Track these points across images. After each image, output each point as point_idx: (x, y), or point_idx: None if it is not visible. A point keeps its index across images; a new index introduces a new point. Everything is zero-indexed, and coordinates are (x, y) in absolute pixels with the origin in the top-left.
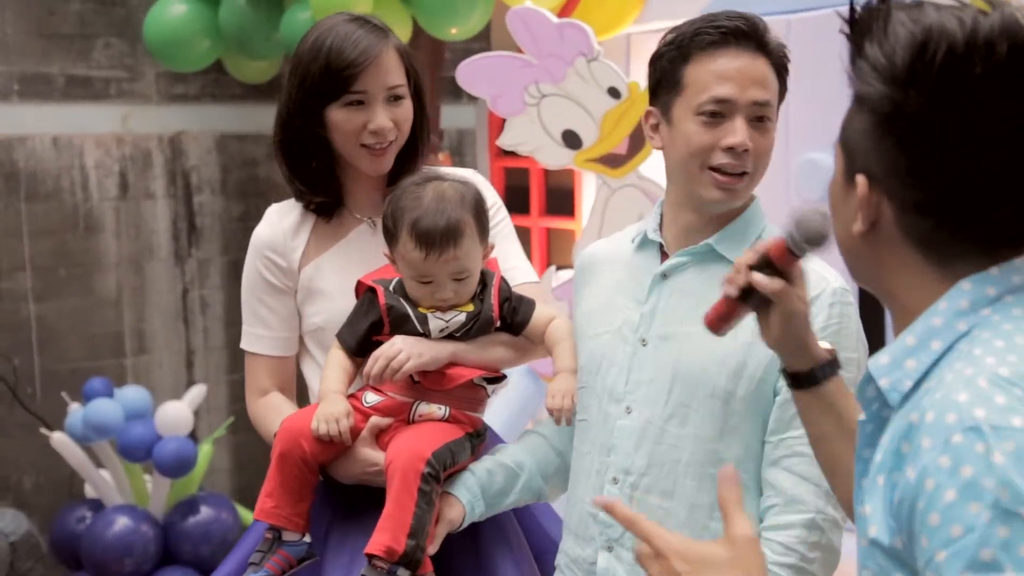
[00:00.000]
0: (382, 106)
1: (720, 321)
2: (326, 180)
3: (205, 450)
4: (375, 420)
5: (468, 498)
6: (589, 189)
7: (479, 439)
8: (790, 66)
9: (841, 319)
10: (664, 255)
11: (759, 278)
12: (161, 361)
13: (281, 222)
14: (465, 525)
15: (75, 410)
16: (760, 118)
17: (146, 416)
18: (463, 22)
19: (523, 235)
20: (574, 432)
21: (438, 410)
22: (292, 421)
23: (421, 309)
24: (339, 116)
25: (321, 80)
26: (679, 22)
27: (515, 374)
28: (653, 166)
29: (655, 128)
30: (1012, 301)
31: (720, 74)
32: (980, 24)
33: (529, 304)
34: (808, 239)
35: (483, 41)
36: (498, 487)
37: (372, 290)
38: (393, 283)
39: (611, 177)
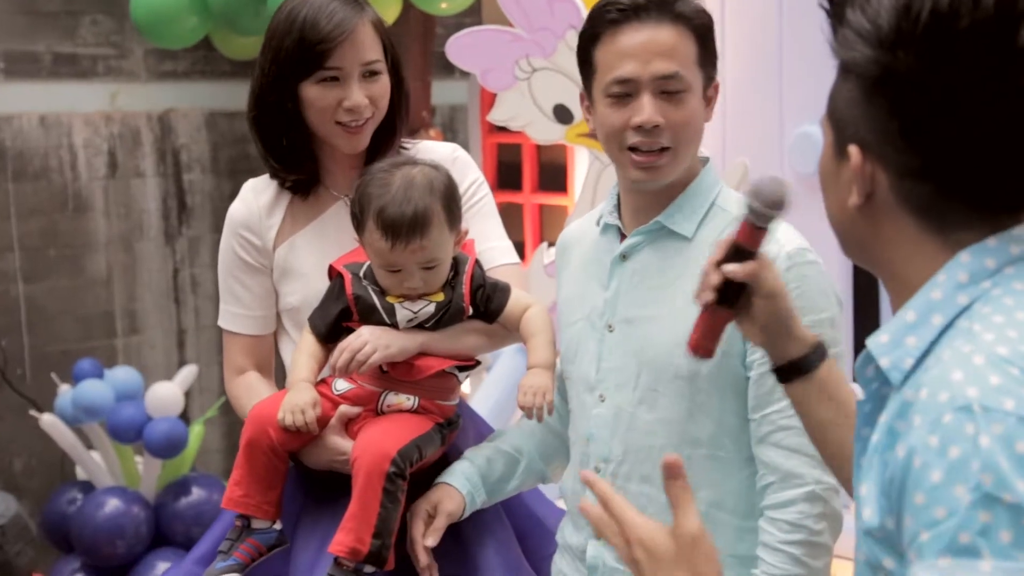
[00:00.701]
0: (358, 82)
1: (706, 339)
2: (301, 157)
3: (196, 431)
4: (344, 409)
5: (468, 488)
6: (582, 165)
7: (450, 428)
8: (763, 33)
9: (801, 281)
10: (624, 237)
11: (732, 266)
12: (152, 341)
13: (256, 200)
14: (467, 515)
15: (65, 391)
16: (669, 91)
17: (136, 397)
18: None
19: (516, 211)
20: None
21: (406, 401)
22: (260, 408)
23: (389, 299)
24: (313, 93)
25: (295, 55)
26: None
27: (506, 353)
28: None
29: (588, 111)
30: (1012, 273)
31: (621, 52)
32: None
33: (504, 291)
34: (769, 204)
35: (474, 15)
36: (498, 474)
37: (341, 276)
38: (363, 268)
39: (603, 152)
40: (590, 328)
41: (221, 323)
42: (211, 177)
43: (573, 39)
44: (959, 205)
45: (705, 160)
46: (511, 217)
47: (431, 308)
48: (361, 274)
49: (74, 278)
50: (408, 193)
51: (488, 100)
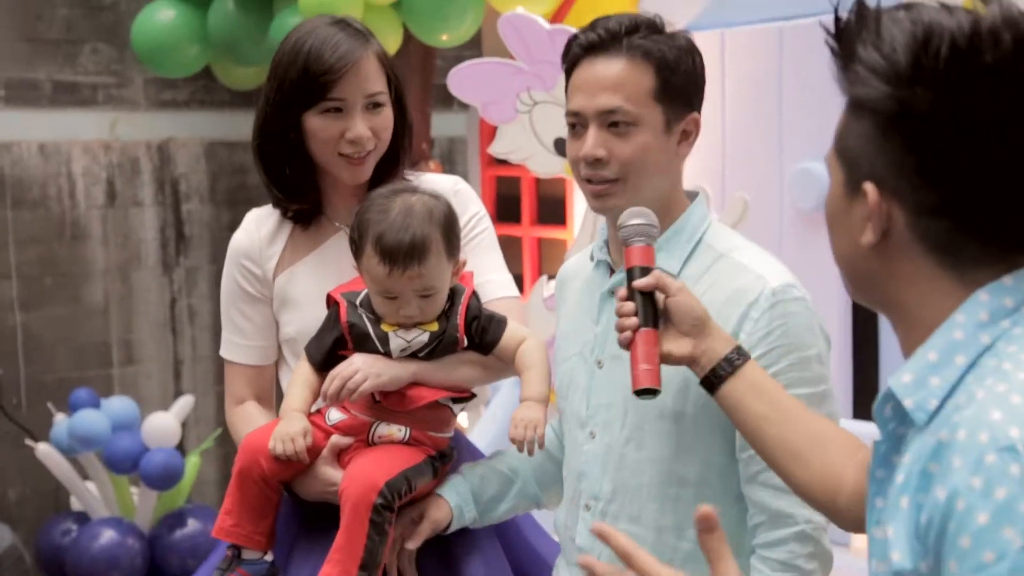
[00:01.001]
0: (361, 114)
1: (648, 364)
2: (304, 187)
3: (193, 462)
4: (335, 439)
5: (456, 501)
6: (581, 199)
7: (444, 461)
8: (763, 69)
9: (785, 319)
10: (613, 272)
11: (640, 281)
12: (149, 371)
13: (258, 229)
14: (453, 528)
15: (61, 421)
16: (615, 124)
17: (133, 427)
18: (454, 29)
19: (515, 244)
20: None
21: (398, 432)
22: (252, 438)
23: (384, 327)
24: (316, 123)
25: (299, 85)
26: (673, 29)
27: (505, 387)
28: None
29: None
30: None
31: (574, 87)
32: (981, 18)
33: (500, 323)
34: (638, 219)
35: (474, 48)
36: (491, 493)
37: (337, 304)
38: (361, 296)
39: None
40: (582, 363)
41: (223, 353)
42: (210, 207)
43: None
44: (975, 242)
45: (694, 195)
46: (510, 250)
47: (425, 337)
48: (357, 302)
49: (71, 307)
50: (407, 220)
51: (487, 132)
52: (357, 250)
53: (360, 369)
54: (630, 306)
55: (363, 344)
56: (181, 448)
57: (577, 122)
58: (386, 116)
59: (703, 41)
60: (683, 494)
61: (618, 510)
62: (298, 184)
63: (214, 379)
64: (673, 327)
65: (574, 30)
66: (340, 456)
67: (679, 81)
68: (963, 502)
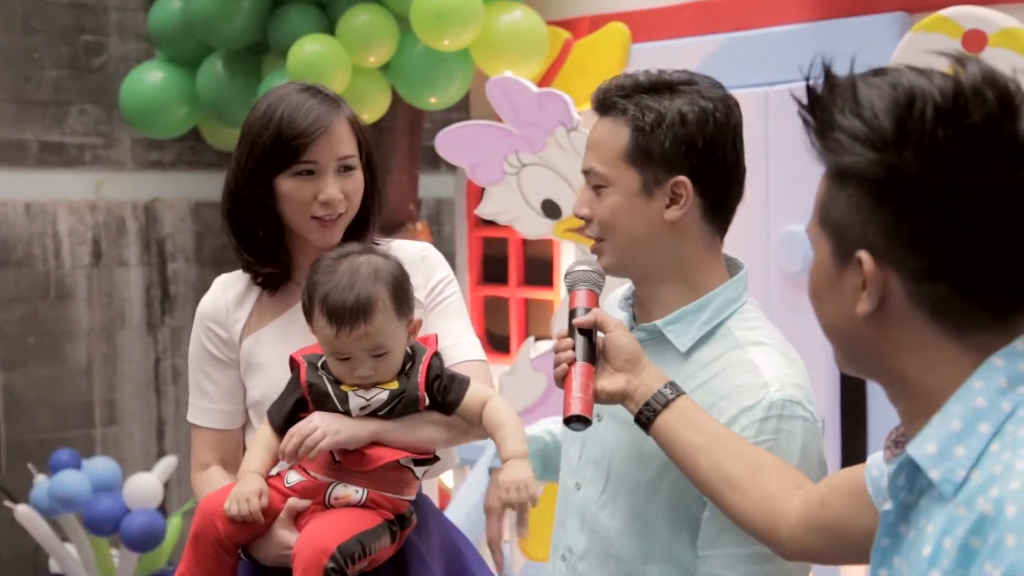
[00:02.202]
0: (333, 176)
1: (579, 397)
2: (274, 251)
3: (175, 523)
4: (292, 502)
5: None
6: (568, 259)
7: (402, 524)
8: (749, 131)
9: (776, 435)
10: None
11: (578, 318)
12: (131, 432)
13: (225, 293)
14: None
15: (41, 482)
16: (595, 185)
17: (114, 488)
18: (442, 91)
19: (501, 305)
20: None
21: (355, 493)
22: (208, 501)
23: (343, 387)
24: (289, 186)
25: (271, 149)
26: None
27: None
28: None
29: None
30: None
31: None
32: (962, 78)
33: (462, 383)
34: (585, 266)
35: (462, 110)
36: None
37: (298, 366)
38: (322, 358)
39: (590, 248)
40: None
41: (189, 417)
42: (195, 267)
43: (562, 135)
44: (975, 305)
45: (737, 269)
46: (496, 311)
47: (384, 395)
48: (319, 364)
49: (53, 367)
50: (352, 279)
51: (475, 193)
52: (307, 312)
53: (319, 427)
54: (568, 342)
55: (323, 404)
56: (163, 509)
57: (586, 180)
58: (357, 179)
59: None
60: (648, 572)
61: (587, 569)
62: (269, 248)
63: None
64: (608, 365)
65: (561, 93)
66: (297, 519)
67: (657, 143)
68: None
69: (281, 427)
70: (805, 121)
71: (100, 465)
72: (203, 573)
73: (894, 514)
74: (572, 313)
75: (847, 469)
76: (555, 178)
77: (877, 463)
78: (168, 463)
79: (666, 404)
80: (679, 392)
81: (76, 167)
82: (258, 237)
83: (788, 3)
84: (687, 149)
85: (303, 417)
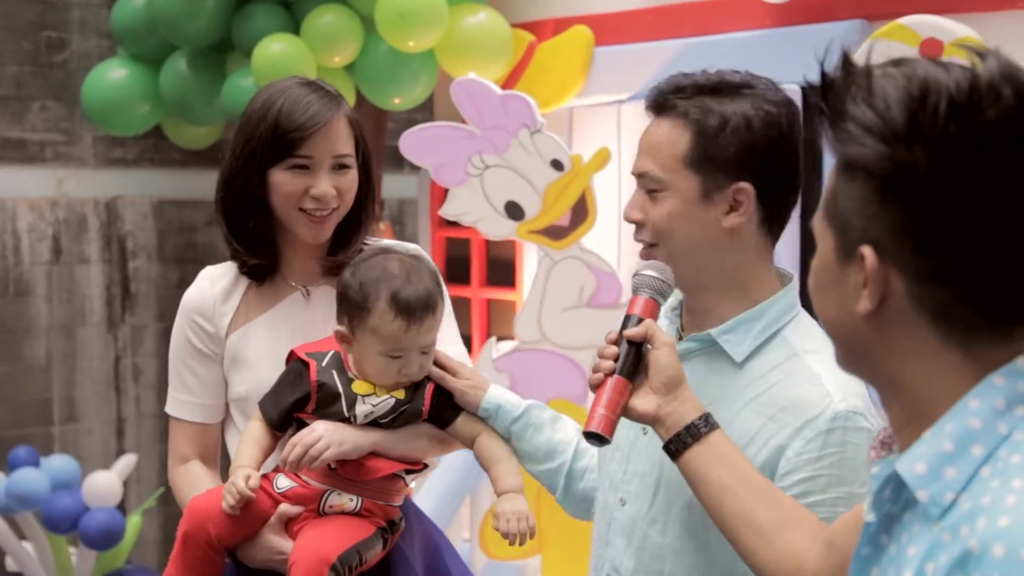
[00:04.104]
0: (327, 173)
1: (602, 413)
2: (263, 243)
3: (134, 522)
4: (284, 508)
5: (489, 408)
6: (530, 260)
7: (392, 531)
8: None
9: (843, 448)
10: (681, 337)
11: (629, 330)
12: (91, 429)
13: (212, 287)
14: (481, 408)
15: None
16: (647, 189)
17: (73, 486)
18: (407, 92)
19: (464, 305)
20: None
21: (349, 502)
22: (198, 502)
23: (355, 388)
24: (282, 178)
25: (268, 141)
26: (622, 97)
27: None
28: (595, 238)
29: None
30: None
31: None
32: (978, 73)
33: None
34: (667, 278)
35: (426, 111)
36: (528, 448)
37: (303, 363)
38: (327, 358)
39: (553, 249)
40: (627, 424)
41: (168, 409)
42: (157, 265)
43: (526, 137)
44: (979, 314)
45: (788, 278)
46: (459, 311)
47: (390, 402)
48: (324, 363)
49: (12, 364)
50: (413, 276)
51: (438, 194)
52: (361, 311)
53: (323, 436)
54: (612, 350)
55: (328, 404)
56: (122, 508)
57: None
58: (351, 178)
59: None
60: None
61: None
62: (258, 239)
63: (157, 438)
64: (646, 383)
65: (525, 96)
66: (288, 525)
67: (720, 148)
68: None
69: (276, 423)
70: (819, 109)
71: (59, 463)
72: (192, 574)
73: (876, 525)
74: (626, 320)
75: (855, 506)
76: (518, 180)
77: None
78: (127, 461)
79: (698, 438)
80: (713, 426)
81: (37, 164)
82: (248, 227)
83: (749, 9)
84: (751, 155)
85: (298, 417)
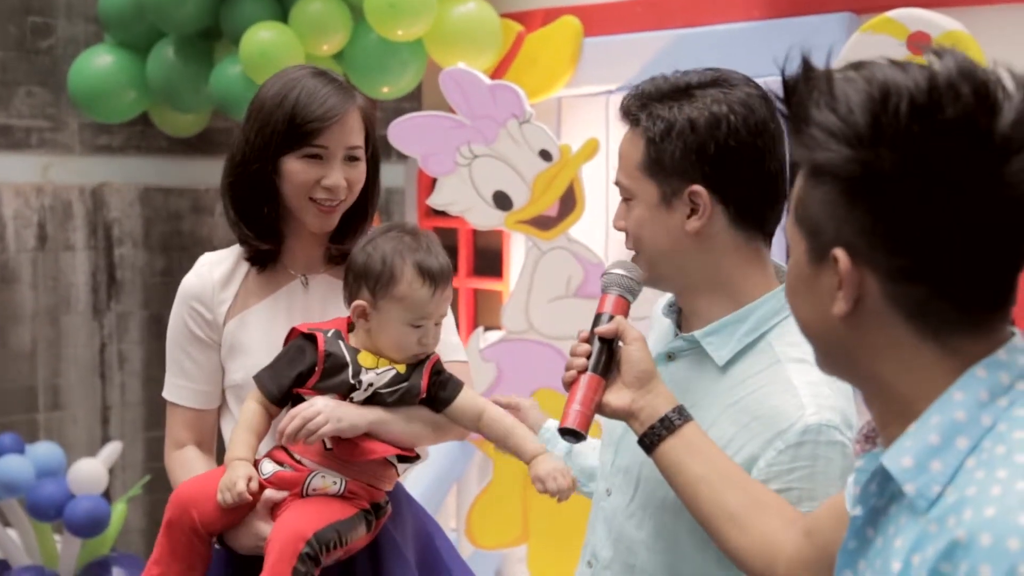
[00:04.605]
0: (339, 164)
1: (577, 409)
2: (274, 228)
3: (119, 509)
4: (268, 493)
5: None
6: (517, 251)
7: (377, 514)
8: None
9: (813, 462)
10: (678, 332)
11: (603, 327)
12: (76, 417)
13: (211, 273)
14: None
15: None
16: (624, 198)
17: (58, 474)
18: (395, 81)
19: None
20: None
21: (333, 485)
22: (184, 489)
23: (360, 359)
24: (295, 167)
25: (283, 130)
26: (610, 87)
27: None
28: (583, 229)
29: None
30: None
31: None
32: (936, 72)
33: (457, 384)
34: (637, 277)
35: (414, 100)
36: (585, 463)
37: (307, 337)
38: (330, 333)
39: (541, 239)
40: None
41: (165, 394)
42: (143, 252)
43: (515, 127)
44: (954, 308)
45: (768, 290)
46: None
47: (391, 373)
48: (330, 336)
49: None
50: (431, 247)
51: (425, 184)
52: (387, 282)
53: (322, 412)
54: (584, 347)
55: (334, 375)
56: (107, 495)
57: None
58: (361, 170)
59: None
60: None
61: None
62: (270, 225)
63: (143, 425)
64: (619, 378)
65: (514, 86)
66: (273, 510)
67: (668, 153)
68: None
69: (276, 399)
70: (783, 115)
71: (44, 450)
72: (176, 560)
73: (862, 519)
74: (597, 318)
75: (832, 496)
76: (507, 170)
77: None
78: (113, 449)
79: (672, 430)
80: (687, 419)
81: (22, 150)
82: (262, 213)
83: (738, 1)
84: (698, 157)
85: (297, 392)
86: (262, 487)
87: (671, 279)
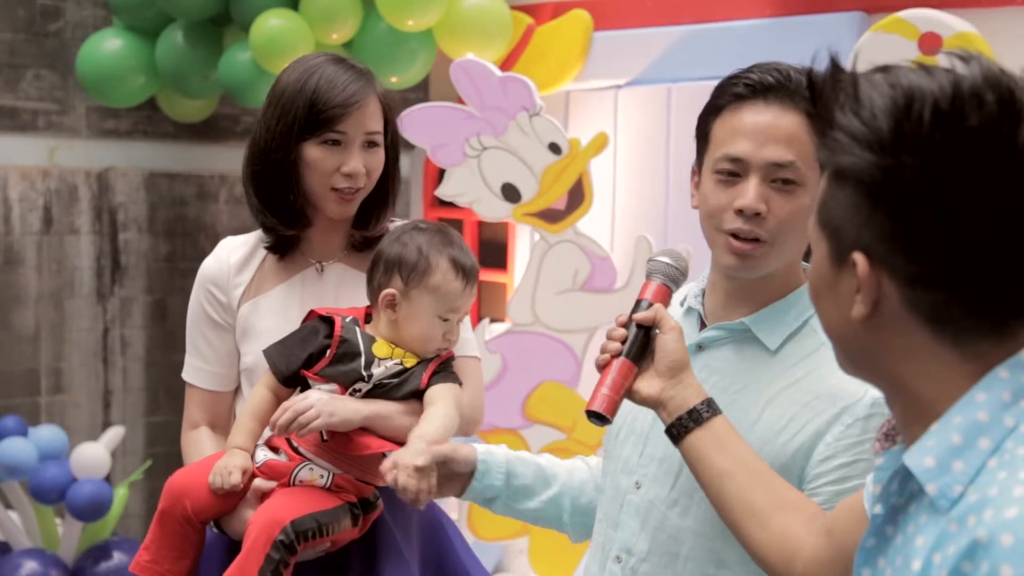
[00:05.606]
0: (358, 150)
1: (605, 393)
2: (296, 214)
3: (121, 494)
4: (257, 483)
5: (485, 458)
6: (522, 243)
7: (367, 509)
8: None
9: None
10: (704, 324)
11: (638, 314)
12: (78, 401)
13: (229, 257)
14: (470, 491)
15: None
16: (783, 180)
17: (61, 457)
18: (404, 71)
19: None
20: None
21: (320, 478)
22: (178, 477)
23: (374, 349)
24: (315, 153)
25: (303, 117)
26: (619, 82)
27: None
28: (591, 222)
29: (696, 185)
30: None
31: (738, 129)
32: (961, 78)
33: (450, 375)
34: (682, 266)
35: (421, 91)
36: (525, 481)
37: (324, 320)
38: (348, 319)
39: (549, 232)
40: (643, 409)
41: (184, 375)
42: (147, 237)
43: (524, 120)
44: (971, 313)
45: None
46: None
47: (398, 366)
48: (347, 322)
49: (0, 333)
50: (464, 247)
51: (431, 174)
52: (422, 274)
53: (314, 406)
54: (621, 332)
55: (343, 361)
56: (108, 480)
57: (736, 169)
58: (379, 157)
59: (649, 96)
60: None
61: (650, 571)
62: (295, 211)
63: (144, 410)
64: (652, 366)
65: (525, 78)
66: (263, 498)
67: None
68: None
69: (285, 376)
70: (809, 115)
71: (47, 433)
72: (168, 546)
73: (883, 517)
74: (637, 304)
75: (851, 495)
76: (516, 162)
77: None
78: (115, 433)
79: (700, 423)
80: (715, 411)
81: (29, 132)
82: (287, 200)
83: None
84: None
85: (304, 375)
86: (253, 475)
87: (780, 271)
